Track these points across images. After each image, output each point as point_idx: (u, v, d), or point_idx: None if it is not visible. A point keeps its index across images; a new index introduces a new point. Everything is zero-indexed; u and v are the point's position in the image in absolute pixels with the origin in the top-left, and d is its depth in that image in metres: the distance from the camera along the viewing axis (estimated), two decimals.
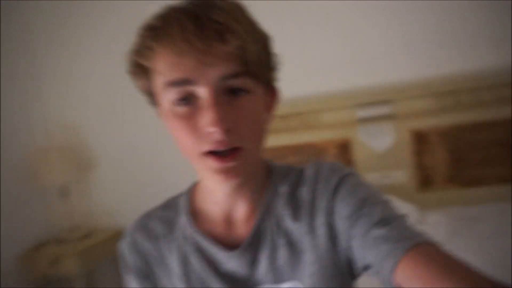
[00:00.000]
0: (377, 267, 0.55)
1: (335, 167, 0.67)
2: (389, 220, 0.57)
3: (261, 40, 0.60)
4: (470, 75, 2.00)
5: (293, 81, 1.95)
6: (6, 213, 2.24)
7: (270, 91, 0.66)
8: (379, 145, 2.09)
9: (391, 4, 2.06)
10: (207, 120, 0.54)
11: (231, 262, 0.67)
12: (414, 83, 2.06)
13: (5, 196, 2.25)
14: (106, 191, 2.57)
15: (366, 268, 0.59)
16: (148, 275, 0.71)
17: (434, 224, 1.70)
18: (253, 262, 0.66)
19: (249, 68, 0.56)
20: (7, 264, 2.23)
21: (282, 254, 0.65)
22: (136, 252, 0.71)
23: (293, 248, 0.65)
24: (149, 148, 2.45)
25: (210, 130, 0.55)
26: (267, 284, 0.66)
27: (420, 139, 2.04)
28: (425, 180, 2.04)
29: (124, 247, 0.72)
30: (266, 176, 0.70)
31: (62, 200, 2.43)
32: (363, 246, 0.57)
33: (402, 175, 2.04)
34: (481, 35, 2.00)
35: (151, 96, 0.62)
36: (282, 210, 0.67)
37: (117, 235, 2.44)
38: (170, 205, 0.74)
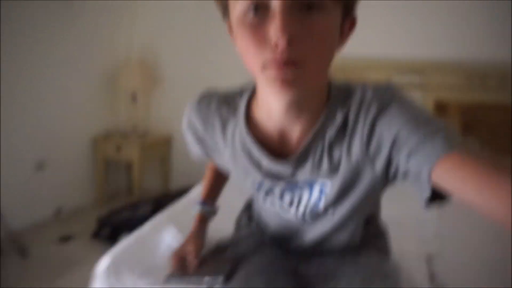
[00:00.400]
0: (418, 168, 0.56)
1: (377, 94, 0.66)
2: (433, 131, 0.57)
3: None
4: (496, 62, 2.22)
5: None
6: (88, 106, 2.84)
7: (349, 19, 0.63)
8: None
9: None
10: (274, 28, 0.53)
11: (273, 169, 0.73)
12: (445, 60, 2.32)
13: (90, 95, 2.85)
14: (163, 104, 3.09)
15: (406, 174, 0.61)
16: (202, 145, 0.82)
17: None
18: (293, 173, 0.73)
19: None
20: (84, 147, 2.85)
21: (322, 171, 0.71)
22: (192, 131, 0.81)
23: (332, 167, 0.70)
24: (207, 78, 2.89)
25: (275, 38, 0.53)
26: (300, 185, 0.74)
27: (441, 109, 2.32)
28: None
29: (184, 123, 0.82)
30: (325, 100, 0.69)
31: (131, 104, 2.97)
32: (407, 154, 0.58)
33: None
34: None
35: (225, 9, 0.62)
36: (331, 135, 0.69)
37: (165, 140, 3.04)
38: (230, 103, 0.76)
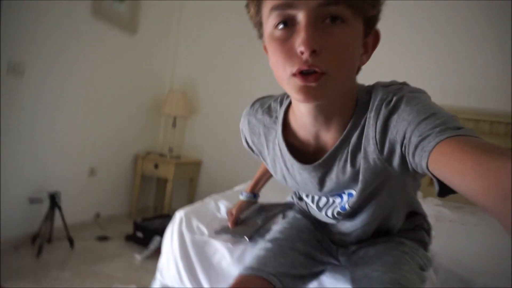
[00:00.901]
0: (420, 161, 0.56)
1: (387, 96, 0.66)
2: (434, 126, 0.56)
3: None
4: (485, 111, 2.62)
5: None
6: (134, 128, 3.31)
7: (372, 33, 0.67)
8: None
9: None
10: (299, 40, 0.58)
11: (304, 174, 0.79)
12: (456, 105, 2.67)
13: (137, 118, 3.33)
14: (197, 131, 3.53)
15: (417, 168, 0.60)
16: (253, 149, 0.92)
17: None
18: (321, 178, 0.77)
19: None
20: (127, 161, 3.29)
21: (347, 176, 0.74)
22: (244, 136, 0.91)
23: (354, 170, 0.73)
24: (234, 114, 3.29)
25: (299, 49, 0.58)
26: (331, 194, 0.80)
27: None
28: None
29: (240, 126, 0.92)
30: (354, 106, 0.72)
31: (171, 129, 3.44)
32: (413, 150, 0.58)
33: None
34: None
35: (260, 28, 0.67)
36: (354, 141, 0.71)
37: (195, 162, 3.45)
38: (272, 113, 0.83)
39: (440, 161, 0.51)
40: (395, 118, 0.64)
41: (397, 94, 0.66)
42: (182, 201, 3.44)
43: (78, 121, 2.76)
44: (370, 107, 0.69)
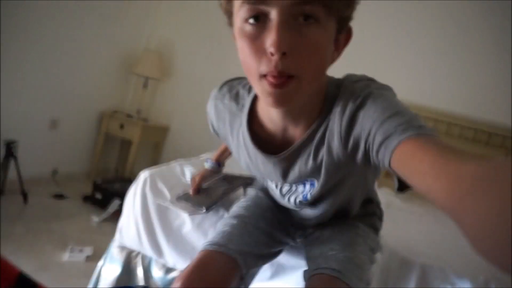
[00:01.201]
0: (383, 158, 0.57)
1: (355, 92, 0.67)
2: (399, 124, 0.57)
3: None
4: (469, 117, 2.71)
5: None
6: (103, 84, 3.15)
7: (344, 31, 0.65)
8: None
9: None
10: (270, 41, 0.56)
11: (268, 165, 0.79)
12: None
13: (107, 74, 3.16)
14: (168, 95, 3.42)
15: (379, 164, 0.61)
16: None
17: None
18: (285, 170, 0.79)
19: None
20: (92, 118, 3.14)
21: (310, 166, 0.75)
22: (210, 119, 0.89)
23: (316, 164, 0.75)
24: (209, 81, 3.22)
25: (270, 50, 0.56)
26: (294, 183, 0.82)
27: None
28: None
29: (207, 108, 0.88)
30: (323, 101, 0.71)
31: (142, 90, 3.31)
32: (377, 148, 0.59)
33: None
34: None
35: (230, 17, 0.64)
36: (319, 136, 0.72)
37: (163, 128, 3.35)
38: (239, 100, 0.81)
39: (402, 160, 0.53)
40: (361, 114, 0.64)
41: (364, 90, 0.66)
42: (145, 166, 3.30)
43: (42, 69, 2.59)
44: (337, 102, 0.69)
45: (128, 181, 2.75)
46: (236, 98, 0.82)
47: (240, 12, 0.59)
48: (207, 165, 1.28)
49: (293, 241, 1.04)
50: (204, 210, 1.19)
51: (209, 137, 2.97)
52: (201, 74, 3.29)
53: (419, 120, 0.58)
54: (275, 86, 0.59)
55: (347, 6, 0.62)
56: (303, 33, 0.57)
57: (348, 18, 0.64)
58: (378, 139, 0.59)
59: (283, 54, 0.56)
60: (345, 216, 0.97)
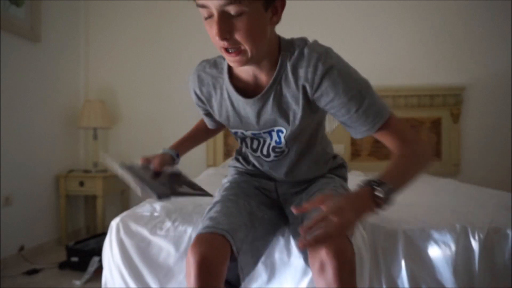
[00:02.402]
0: (361, 127, 0.93)
1: (322, 57, 0.90)
2: (364, 102, 0.90)
3: None
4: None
5: None
6: (50, 145, 3.03)
7: (278, 1, 0.89)
8: (329, 126, 2.94)
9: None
10: (214, 31, 0.84)
11: (247, 108, 1.01)
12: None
13: (52, 134, 3.04)
14: (121, 141, 3.36)
15: (343, 122, 0.96)
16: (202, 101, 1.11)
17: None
18: (260, 111, 1.01)
19: None
20: (47, 183, 3.01)
21: (278, 109, 0.99)
22: (193, 90, 1.11)
23: (285, 106, 0.99)
24: (160, 118, 3.24)
25: (217, 37, 0.84)
26: (264, 130, 1.04)
27: None
28: (354, 153, 2.90)
29: (189, 84, 1.12)
30: (278, 52, 0.96)
31: (92, 142, 3.22)
32: (346, 114, 0.92)
33: (341, 148, 2.88)
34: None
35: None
36: (285, 79, 0.96)
37: None
38: (217, 64, 1.06)
39: (387, 132, 0.93)
40: (327, 82, 0.89)
41: (331, 57, 0.90)
42: (115, 216, 3.23)
43: None
44: (298, 56, 0.93)
45: (102, 235, 2.66)
46: (215, 65, 1.06)
47: (200, 11, 0.87)
48: (165, 151, 1.19)
49: (276, 198, 1.18)
50: (156, 196, 1.00)
51: None
52: (149, 110, 3.27)
53: (373, 92, 0.93)
54: (229, 55, 0.88)
55: None
56: (235, 24, 0.83)
57: None
58: (340, 116, 0.94)
59: (225, 39, 0.84)
60: (317, 171, 1.16)
